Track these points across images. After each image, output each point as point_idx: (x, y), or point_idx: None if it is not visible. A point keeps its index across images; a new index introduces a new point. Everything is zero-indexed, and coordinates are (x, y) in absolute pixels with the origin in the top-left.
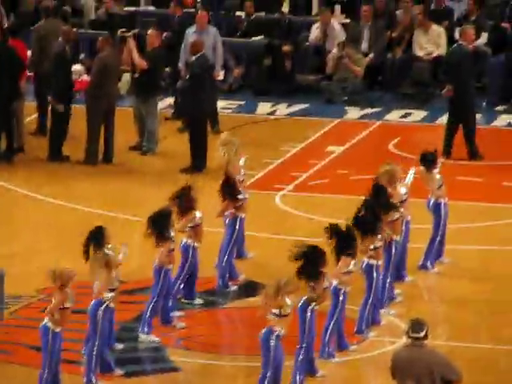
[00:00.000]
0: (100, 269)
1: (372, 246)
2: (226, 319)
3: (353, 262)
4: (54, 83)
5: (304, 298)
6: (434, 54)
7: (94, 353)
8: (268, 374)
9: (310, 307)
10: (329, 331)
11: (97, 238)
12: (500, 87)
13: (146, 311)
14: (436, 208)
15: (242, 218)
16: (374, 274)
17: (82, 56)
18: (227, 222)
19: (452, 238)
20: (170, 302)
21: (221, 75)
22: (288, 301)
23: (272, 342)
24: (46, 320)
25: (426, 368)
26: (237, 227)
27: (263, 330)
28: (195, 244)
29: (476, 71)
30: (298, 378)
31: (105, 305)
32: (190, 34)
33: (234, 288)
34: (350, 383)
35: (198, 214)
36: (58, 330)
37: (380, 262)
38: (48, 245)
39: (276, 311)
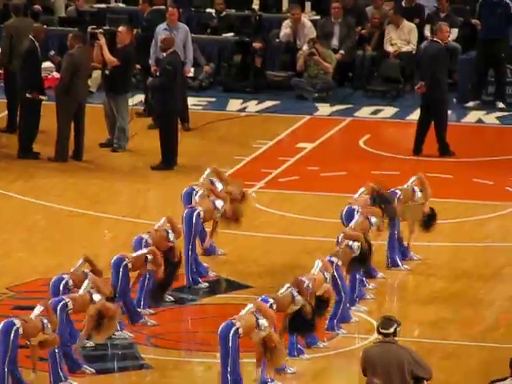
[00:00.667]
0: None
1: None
2: (197, 316)
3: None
4: (24, 79)
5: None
6: (403, 50)
7: (57, 350)
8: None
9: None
10: None
11: None
12: (470, 84)
13: None
14: None
15: (199, 212)
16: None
17: (51, 53)
18: (183, 216)
19: (422, 235)
20: (142, 300)
21: (191, 72)
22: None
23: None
24: (13, 318)
25: (396, 365)
26: (193, 221)
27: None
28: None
29: (443, 67)
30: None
31: (62, 303)
32: (161, 30)
33: (204, 285)
34: (320, 379)
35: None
36: (20, 330)
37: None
38: (18, 242)
39: None
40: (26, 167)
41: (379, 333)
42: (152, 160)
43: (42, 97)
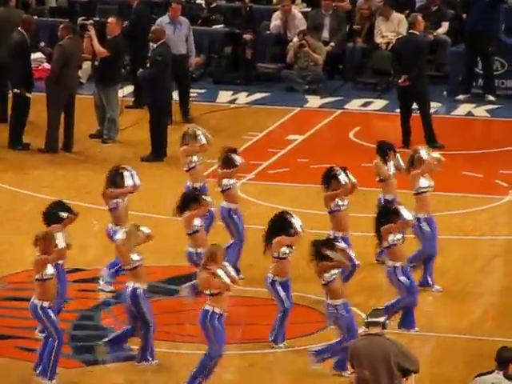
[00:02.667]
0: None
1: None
2: (186, 308)
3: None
4: (14, 72)
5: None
6: (394, 42)
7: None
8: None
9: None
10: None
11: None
12: (460, 77)
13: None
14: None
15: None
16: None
17: (42, 44)
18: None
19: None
20: None
21: (196, 63)
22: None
23: (208, 322)
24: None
25: (383, 357)
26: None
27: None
28: None
29: (425, 59)
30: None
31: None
32: (164, 24)
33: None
34: (308, 370)
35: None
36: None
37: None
38: (8, 233)
39: (207, 291)
40: (16, 158)
41: (367, 325)
42: (142, 151)
43: (27, 94)
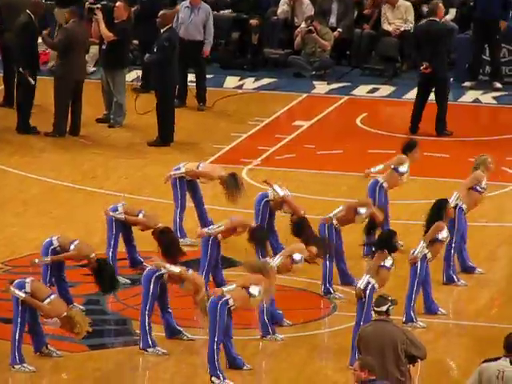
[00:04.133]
0: None
1: None
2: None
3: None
4: (19, 54)
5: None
6: (402, 29)
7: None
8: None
9: None
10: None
11: None
12: (468, 63)
13: None
14: None
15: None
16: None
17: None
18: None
19: (418, 215)
20: None
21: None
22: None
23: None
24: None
25: (390, 343)
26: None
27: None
28: None
29: (446, 46)
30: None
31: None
32: (183, 8)
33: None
34: (314, 356)
35: None
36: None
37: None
38: (14, 216)
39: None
40: (24, 142)
41: (374, 311)
42: (149, 136)
43: (30, 80)
